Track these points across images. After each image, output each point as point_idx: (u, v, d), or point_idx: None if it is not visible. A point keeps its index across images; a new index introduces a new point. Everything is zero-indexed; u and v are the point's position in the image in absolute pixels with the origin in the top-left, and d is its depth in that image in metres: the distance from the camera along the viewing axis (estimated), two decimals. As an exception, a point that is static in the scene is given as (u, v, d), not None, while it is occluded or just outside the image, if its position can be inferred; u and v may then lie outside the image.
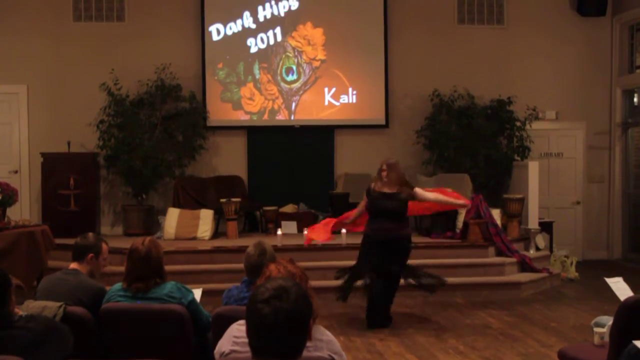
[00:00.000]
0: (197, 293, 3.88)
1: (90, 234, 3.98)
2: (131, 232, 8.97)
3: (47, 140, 9.22)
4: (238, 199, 8.63)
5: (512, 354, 5.27)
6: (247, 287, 3.70)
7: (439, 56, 9.87)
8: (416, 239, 8.30)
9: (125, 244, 3.84)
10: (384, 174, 6.05)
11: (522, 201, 8.58)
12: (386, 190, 6.05)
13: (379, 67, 9.79)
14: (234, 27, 9.65)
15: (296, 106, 9.78)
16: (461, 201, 6.43)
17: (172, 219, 8.48)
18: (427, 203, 6.36)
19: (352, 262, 7.60)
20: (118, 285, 3.68)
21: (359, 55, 9.78)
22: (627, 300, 3.39)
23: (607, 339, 3.59)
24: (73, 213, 8.75)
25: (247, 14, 9.65)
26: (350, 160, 9.79)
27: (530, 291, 7.63)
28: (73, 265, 3.82)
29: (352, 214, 6.58)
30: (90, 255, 3.82)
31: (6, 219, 6.69)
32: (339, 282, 6.31)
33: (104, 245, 3.91)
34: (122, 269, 3.87)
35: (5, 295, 2.80)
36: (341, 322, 6.34)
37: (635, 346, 2.93)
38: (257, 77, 9.72)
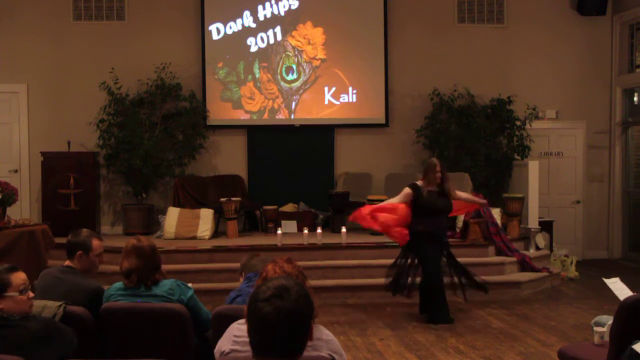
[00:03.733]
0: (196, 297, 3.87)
1: (83, 230, 3.87)
2: (131, 232, 8.94)
3: (47, 140, 9.22)
4: (238, 198, 8.63)
5: (512, 353, 5.27)
6: (247, 281, 3.71)
7: (439, 56, 9.87)
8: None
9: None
10: (439, 175, 6.22)
11: (522, 200, 8.58)
12: (438, 189, 6.26)
13: (379, 67, 9.79)
14: (234, 26, 9.65)
15: (296, 105, 9.78)
16: (482, 200, 6.83)
17: (172, 218, 8.48)
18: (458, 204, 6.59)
19: (353, 262, 7.66)
20: (118, 284, 3.67)
21: (359, 55, 9.78)
22: (627, 299, 3.38)
23: (607, 338, 3.59)
24: (73, 212, 8.75)
25: (247, 13, 9.65)
26: (350, 160, 9.79)
27: (530, 290, 7.64)
28: (67, 262, 3.79)
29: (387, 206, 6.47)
30: (79, 252, 3.75)
31: (6, 218, 6.68)
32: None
33: (94, 242, 3.80)
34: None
35: None
36: (341, 321, 6.34)
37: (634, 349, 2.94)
38: (257, 76, 9.72)
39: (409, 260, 6.40)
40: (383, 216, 6.23)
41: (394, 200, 6.33)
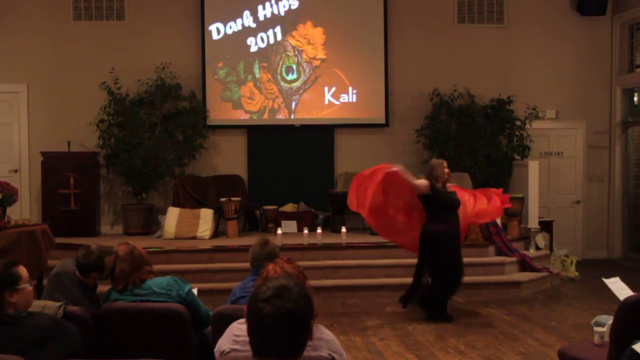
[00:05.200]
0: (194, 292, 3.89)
1: (94, 249, 3.78)
2: (131, 232, 8.97)
3: (47, 140, 9.22)
4: (238, 198, 8.63)
5: (512, 353, 5.27)
6: (250, 277, 3.73)
7: (439, 56, 9.87)
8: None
9: (126, 243, 3.86)
10: (448, 170, 6.22)
11: (522, 200, 8.58)
12: (449, 187, 6.26)
13: (379, 67, 9.79)
14: (234, 26, 9.65)
15: (296, 105, 9.78)
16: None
17: (172, 218, 8.48)
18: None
19: (353, 262, 7.66)
20: (108, 291, 3.69)
21: (359, 55, 9.78)
22: (627, 299, 3.38)
23: (607, 338, 3.59)
24: (73, 212, 8.76)
25: (247, 13, 9.65)
26: (350, 160, 9.78)
27: (530, 290, 7.64)
28: (78, 274, 3.78)
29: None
30: (94, 274, 3.77)
31: (6, 218, 6.67)
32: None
33: (107, 260, 3.77)
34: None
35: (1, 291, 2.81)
36: (341, 321, 6.34)
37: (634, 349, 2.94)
38: (257, 76, 9.72)
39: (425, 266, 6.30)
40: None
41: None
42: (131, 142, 8.94)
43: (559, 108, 10.12)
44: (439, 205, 6.12)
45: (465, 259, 7.21)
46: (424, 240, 6.18)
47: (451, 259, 6.17)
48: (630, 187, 10.11)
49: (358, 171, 9.46)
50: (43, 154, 8.92)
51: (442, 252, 6.12)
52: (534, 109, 9.44)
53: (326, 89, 9.78)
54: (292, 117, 9.78)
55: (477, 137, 9.34)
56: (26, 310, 2.91)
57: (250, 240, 8.32)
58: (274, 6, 9.68)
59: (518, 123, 9.46)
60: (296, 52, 9.77)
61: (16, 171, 9.38)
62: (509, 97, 9.48)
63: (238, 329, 2.53)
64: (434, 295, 6.24)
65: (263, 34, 9.68)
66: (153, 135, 9.13)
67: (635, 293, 3.57)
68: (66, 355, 2.89)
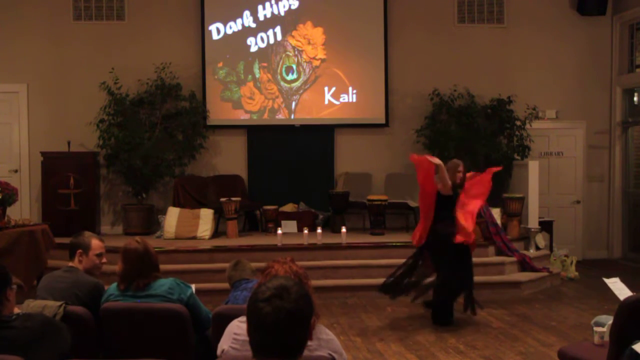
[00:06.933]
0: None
1: (84, 232, 3.99)
2: (131, 232, 8.96)
3: (47, 140, 9.22)
4: (238, 198, 8.63)
5: (512, 353, 5.27)
6: (233, 293, 3.86)
7: (439, 56, 9.87)
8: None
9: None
10: (460, 175, 6.17)
11: (522, 200, 8.58)
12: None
13: (379, 67, 9.79)
14: (234, 26, 9.65)
15: (296, 105, 9.78)
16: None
17: (172, 218, 8.48)
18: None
19: (353, 262, 7.66)
20: (113, 286, 3.68)
21: (359, 55, 9.78)
22: (627, 299, 3.38)
23: (607, 338, 3.59)
24: (73, 212, 8.75)
25: (247, 13, 9.65)
26: (350, 160, 9.79)
27: (530, 290, 7.64)
28: (70, 264, 3.86)
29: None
30: (79, 251, 3.85)
31: (6, 218, 6.67)
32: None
33: (93, 242, 3.90)
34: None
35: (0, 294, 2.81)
36: (341, 321, 6.34)
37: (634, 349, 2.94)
38: (257, 76, 9.72)
39: (423, 262, 6.18)
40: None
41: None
42: (131, 142, 8.93)
43: (559, 108, 10.12)
44: (451, 205, 6.05)
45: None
46: (438, 240, 6.04)
47: (457, 261, 6.07)
48: (630, 187, 10.11)
49: (358, 171, 9.62)
50: (43, 154, 8.92)
51: (450, 253, 6.00)
52: (534, 109, 9.44)
53: (326, 89, 9.78)
54: (292, 117, 9.78)
55: (477, 137, 9.34)
56: (15, 313, 2.90)
57: (250, 240, 8.38)
58: (274, 6, 9.69)
59: (518, 123, 9.46)
60: (296, 52, 9.77)
61: (16, 171, 9.38)
62: (509, 97, 9.48)
63: (238, 327, 2.53)
64: (442, 298, 6.12)
65: (263, 34, 9.68)
66: (153, 135, 9.13)
67: (635, 293, 3.57)
68: (61, 356, 2.88)
